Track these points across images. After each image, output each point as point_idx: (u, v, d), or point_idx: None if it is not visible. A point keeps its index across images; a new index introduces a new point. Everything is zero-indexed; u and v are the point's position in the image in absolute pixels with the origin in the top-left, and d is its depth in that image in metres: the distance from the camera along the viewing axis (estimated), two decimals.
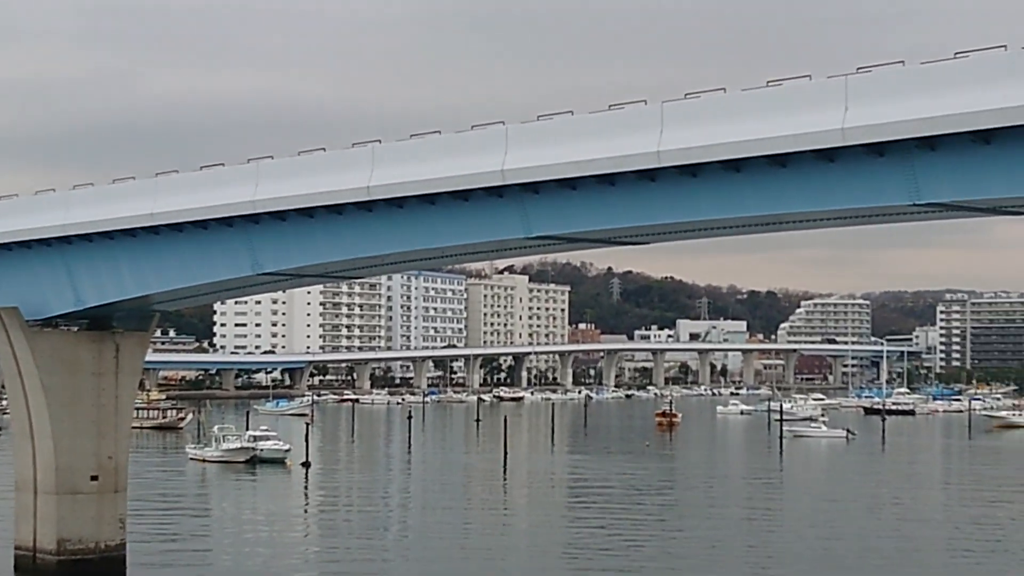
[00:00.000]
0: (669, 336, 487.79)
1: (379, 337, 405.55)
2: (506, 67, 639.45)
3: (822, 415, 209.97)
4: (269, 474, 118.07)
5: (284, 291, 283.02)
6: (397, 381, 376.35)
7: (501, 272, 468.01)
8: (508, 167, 42.04)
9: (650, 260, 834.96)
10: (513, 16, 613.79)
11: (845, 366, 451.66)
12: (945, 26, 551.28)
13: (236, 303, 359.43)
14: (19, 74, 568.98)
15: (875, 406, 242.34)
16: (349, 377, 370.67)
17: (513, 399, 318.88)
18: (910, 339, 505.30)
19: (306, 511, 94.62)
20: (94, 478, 58.71)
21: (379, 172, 45.30)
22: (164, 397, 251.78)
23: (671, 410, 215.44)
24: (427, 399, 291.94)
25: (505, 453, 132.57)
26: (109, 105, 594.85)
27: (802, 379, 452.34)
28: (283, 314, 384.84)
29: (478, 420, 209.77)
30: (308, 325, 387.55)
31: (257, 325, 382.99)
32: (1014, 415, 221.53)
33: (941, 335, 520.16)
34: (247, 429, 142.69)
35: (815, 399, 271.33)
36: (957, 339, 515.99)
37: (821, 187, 37.60)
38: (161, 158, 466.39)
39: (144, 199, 52.88)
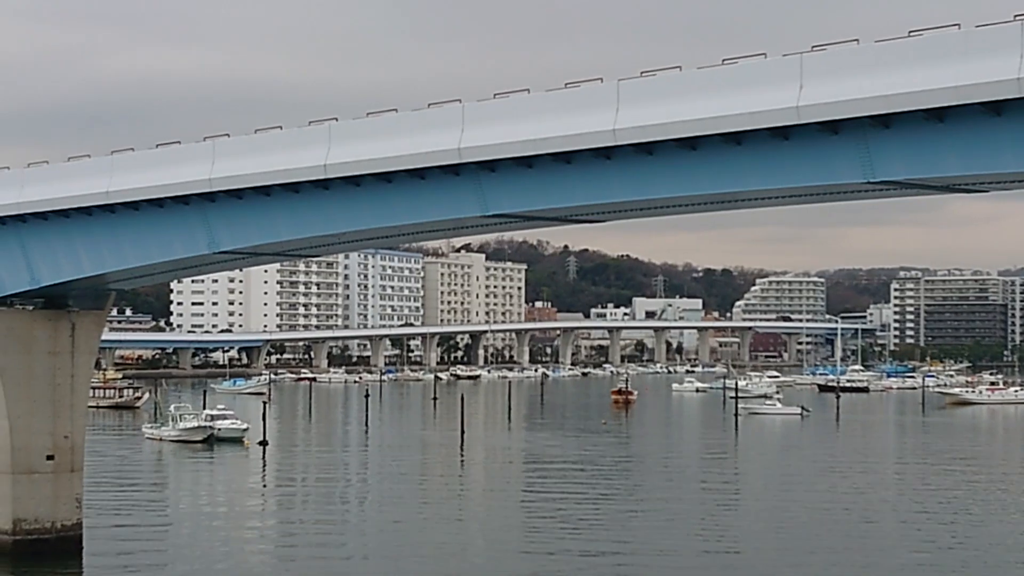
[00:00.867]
0: (625, 314, 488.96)
1: (336, 316, 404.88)
2: (463, 45, 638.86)
3: (777, 393, 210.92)
4: (226, 453, 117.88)
5: (241, 270, 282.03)
6: (354, 360, 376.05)
7: (458, 251, 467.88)
8: (464, 145, 42.12)
9: (606, 238, 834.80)
10: None
11: (800, 344, 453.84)
12: (899, 5, 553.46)
13: (193, 282, 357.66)
14: None
15: (829, 383, 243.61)
16: (306, 356, 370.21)
17: (470, 377, 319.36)
18: (864, 317, 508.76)
19: (264, 489, 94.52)
20: (50, 457, 58.54)
21: (335, 150, 45.31)
22: (120, 376, 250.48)
23: (627, 388, 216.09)
24: (384, 378, 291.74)
25: (462, 431, 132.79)
26: (66, 84, 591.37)
27: (757, 357, 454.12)
28: (240, 292, 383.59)
29: (435, 398, 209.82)
30: (265, 304, 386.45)
31: (214, 304, 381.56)
32: (967, 392, 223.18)
33: (895, 312, 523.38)
34: (204, 408, 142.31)
35: (770, 376, 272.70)
36: (911, 316, 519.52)
37: (776, 165, 37.83)
38: (117, 137, 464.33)
39: (100, 177, 52.67)
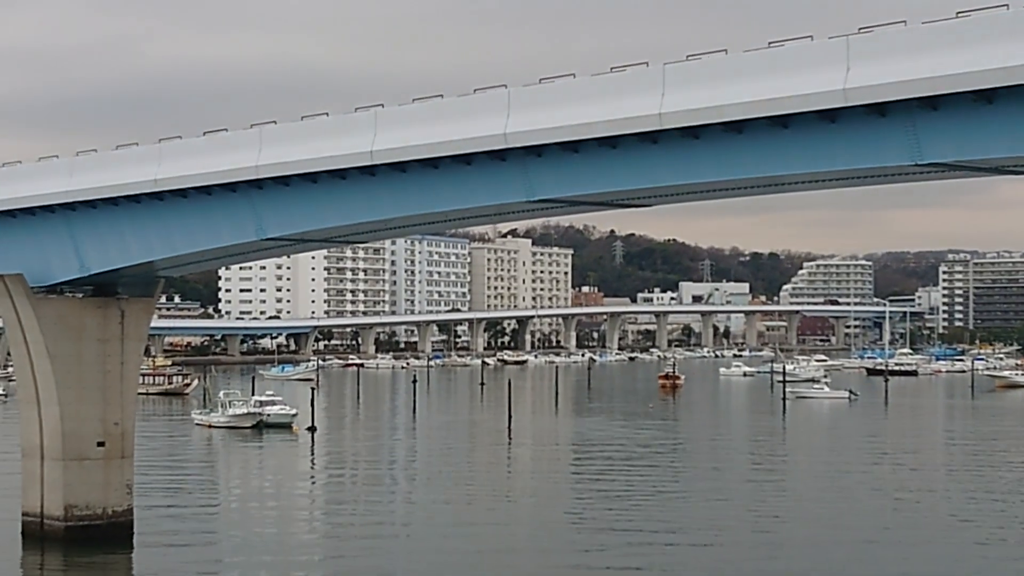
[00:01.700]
0: (672, 299, 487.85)
1: (383, 302, 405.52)
2: (506, 30, 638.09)
3: (825, 376, 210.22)
4: (275, 439, 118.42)
5: (288, 256, 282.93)
6: (402, 345, 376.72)
7: (504, 236, 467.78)
8: (510, 130, 42.13)
9: (653, 222, 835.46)
10: None
11: (848, 327, 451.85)
12: None
13: (241, 268, 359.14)
14: (23, 40, 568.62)
15: (878, 367, 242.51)
16: (354, 342, 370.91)
17: (517, 363, 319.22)
18: (913, 300, 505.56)
19: (312, 475, 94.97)
20: (100, 444, 59.00)
21: (382, 136, 45.41)
22: (170, 363, 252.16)
23: (674, 372, 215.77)
24: (431, 363, 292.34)
25: (509, 416, 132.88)
26: (112, 72, 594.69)
27: (805, 340, 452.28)
28: (288, 279, 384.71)
29: (482, 384, 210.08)
30: (313, 290, 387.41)
31: (262, 290, 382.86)
32: (1017, 375, 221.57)
33: (944, 295, 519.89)
34: (253, 394, 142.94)
35: (818, 360, 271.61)
36: (960, 299, 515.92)
37: (823, 148, 37.66)
38: (164, 124, 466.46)
39: (148, 165, 53.00)
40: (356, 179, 47.23)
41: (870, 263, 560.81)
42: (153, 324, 68.57)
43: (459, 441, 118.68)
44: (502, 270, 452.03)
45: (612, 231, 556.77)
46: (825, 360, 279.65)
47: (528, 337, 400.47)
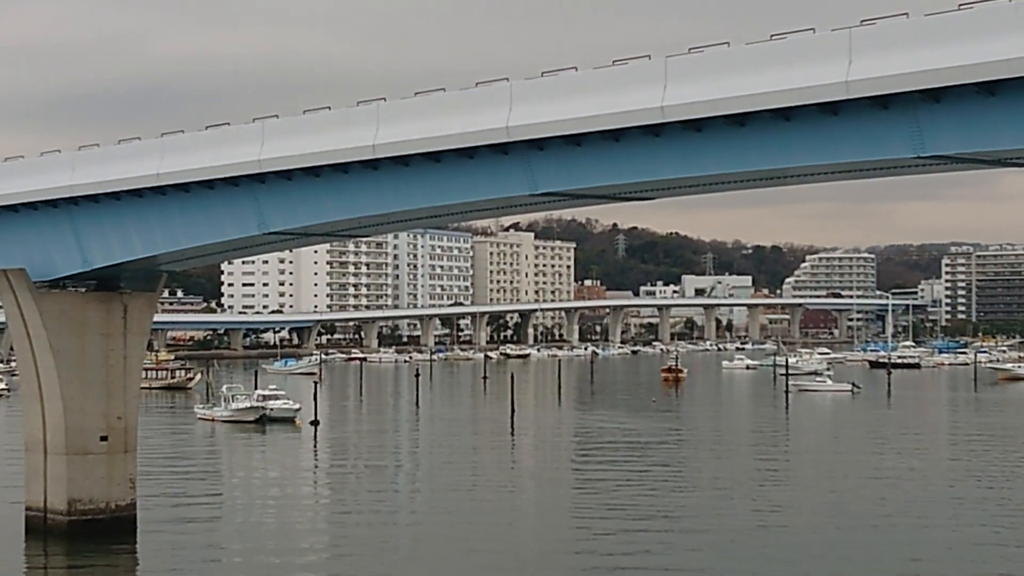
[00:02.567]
0: (674, 292, 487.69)
1: (386, 296, 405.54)
2: (509, 23, 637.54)
3: (827, 369, 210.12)
4: (278, 433, 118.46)
5: (291, 250, 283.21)
6: (404, 339, 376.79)
7: (507, 229, 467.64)
8: (513, 124, 42.11)
9: (655, 216, 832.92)
10: None
11: (850, 320, 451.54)
12: None
13: (243, 263, 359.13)
14: (27, 36, 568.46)
15: (880, 360, 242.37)
16: (357, 336, 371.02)
17: (520, 356, 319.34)
18: (915, 292, 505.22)
19: (316, 469, 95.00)
20: (103, 438, 59.02)
21: (384, 130, 45.39)
22: (172, 357, 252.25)
23: (677, 365, 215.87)
24: (434, 357, 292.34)
25: (512, 409, 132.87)
26: (115, 67, 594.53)
27: (807, 333, 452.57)
28: (290, 273, 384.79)
29: (485, 377, 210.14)
30: (315, 284, 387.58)
31: (265, 285, 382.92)
32: (1020, 367, 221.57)
33: (946, 288, 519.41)
34: (256, 388, 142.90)
35: (820, 353, 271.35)
36: (962, 292, 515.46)
37: (825, 140, 37.64)
38: (166, 119, 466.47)
39: (150, 159, 53.01)
40: (358, 173, 47.22)
41: (873, 256, 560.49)
42: (156, 318, 68.70)
43: (462, 435, 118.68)
44: (504, 264, 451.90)
45: (615, 224, 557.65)
46: (828, 353, 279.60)
47: (531, 331, 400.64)
